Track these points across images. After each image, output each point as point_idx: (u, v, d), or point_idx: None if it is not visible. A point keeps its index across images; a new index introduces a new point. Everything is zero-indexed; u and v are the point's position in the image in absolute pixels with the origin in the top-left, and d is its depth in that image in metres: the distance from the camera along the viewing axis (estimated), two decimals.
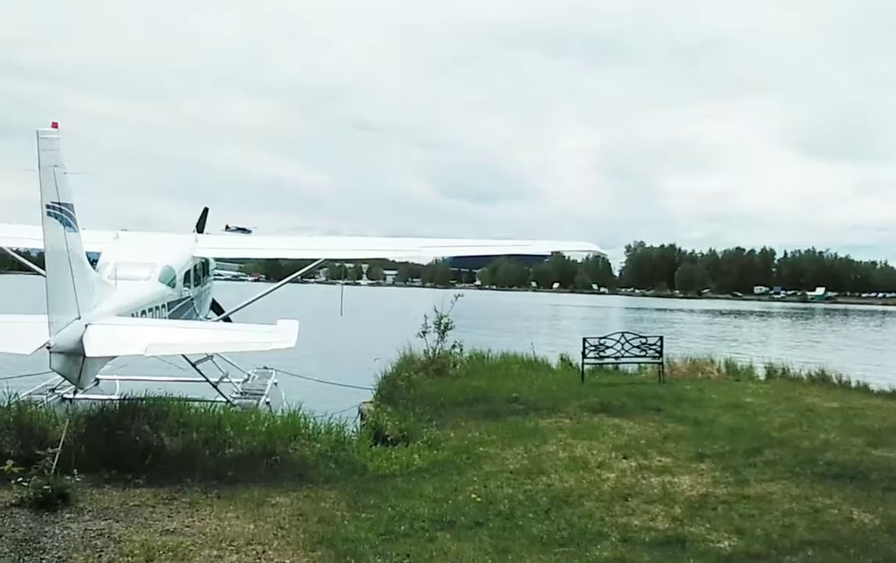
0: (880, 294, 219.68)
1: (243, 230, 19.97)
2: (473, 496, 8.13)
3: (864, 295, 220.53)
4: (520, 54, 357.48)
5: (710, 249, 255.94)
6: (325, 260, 17.19)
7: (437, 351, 18.18)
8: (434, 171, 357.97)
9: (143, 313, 11.23)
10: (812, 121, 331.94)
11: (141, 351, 9.06)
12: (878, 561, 6.34)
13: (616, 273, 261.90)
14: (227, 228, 18.81)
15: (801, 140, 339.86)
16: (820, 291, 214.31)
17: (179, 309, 13.54)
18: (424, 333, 18.17)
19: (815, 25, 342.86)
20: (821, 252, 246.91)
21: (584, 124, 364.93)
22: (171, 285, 13.06)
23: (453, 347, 18.55)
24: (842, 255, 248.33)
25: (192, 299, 14.55)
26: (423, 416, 12.54)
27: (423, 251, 17.03)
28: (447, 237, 23.09)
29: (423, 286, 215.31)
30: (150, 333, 10.04)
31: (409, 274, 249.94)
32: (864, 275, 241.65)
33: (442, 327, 18.15)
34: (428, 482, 8.72)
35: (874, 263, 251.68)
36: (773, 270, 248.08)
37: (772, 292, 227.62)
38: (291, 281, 17.88)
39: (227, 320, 16.04)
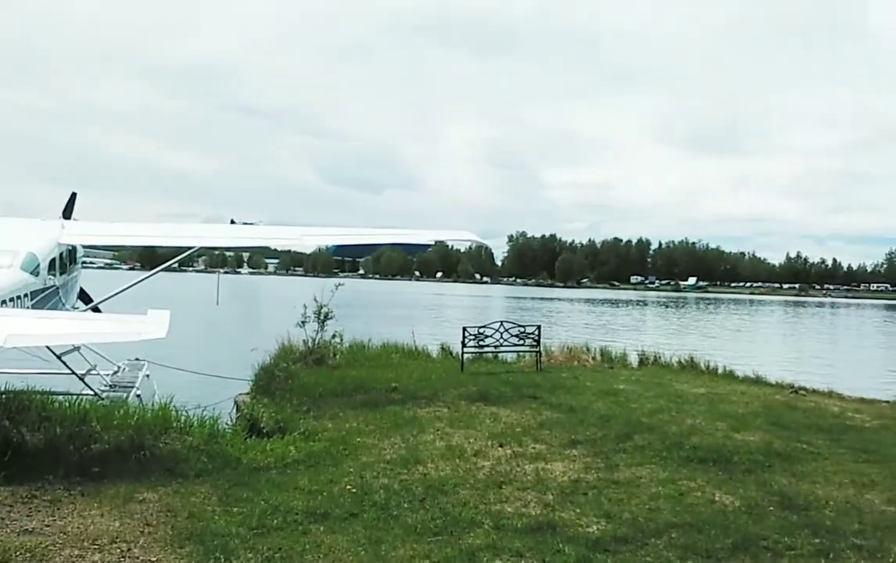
0: (748, 284, 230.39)
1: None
2: (349, 487, 8.06)
3: (733, 284, 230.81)
4: (413, 44, 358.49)
5: (590, 240, 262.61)
6: (203, 248, 16.73)
7: (316, 341, 17.98)
8: (322, 159, 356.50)
9: (4, 302, 10.66)
10: (688, 117, 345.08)
11: (0, 343, 8.61)
12: (737, 540, 6.59)
13: (499, 263, 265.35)
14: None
15: (676, 135, 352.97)
16: (692, 280, 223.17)
17: (44, 298, 12.91)
18: (304, 322, 17.93)
19: (693, 25, 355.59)
20: (693, 243, 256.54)
21: (472, 115, 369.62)
22: (35, 273, 12.44)
23: (333, 336, 18.38)
24: (713, 246, 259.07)
25: (57, 288, 13.90)
26: (301, 407, 12.38)
27: (305, 240, 16.73)
28: (332, 226, 22.89)
29: (306, 275, 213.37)
30: (10, 323, 9.52)
31: (292, 263, 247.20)
32: (734, 265, 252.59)
33: (322, 317, 17.95)
34: (303, 475, 8.60)
35: (743, 254, 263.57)
36: (649, 260, 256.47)
37: (647, 281, 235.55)
38: (166, 269, 17.36)
39: (96, 309, 15.42)
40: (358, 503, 7.56)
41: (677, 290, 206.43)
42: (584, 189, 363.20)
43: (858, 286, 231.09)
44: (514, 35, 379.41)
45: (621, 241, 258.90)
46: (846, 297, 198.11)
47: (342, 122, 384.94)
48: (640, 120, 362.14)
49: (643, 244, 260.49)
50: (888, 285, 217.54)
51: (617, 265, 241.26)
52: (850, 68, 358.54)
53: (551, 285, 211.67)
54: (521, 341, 18.68)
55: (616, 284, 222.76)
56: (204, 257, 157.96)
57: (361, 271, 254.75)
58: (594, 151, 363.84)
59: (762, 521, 7.16)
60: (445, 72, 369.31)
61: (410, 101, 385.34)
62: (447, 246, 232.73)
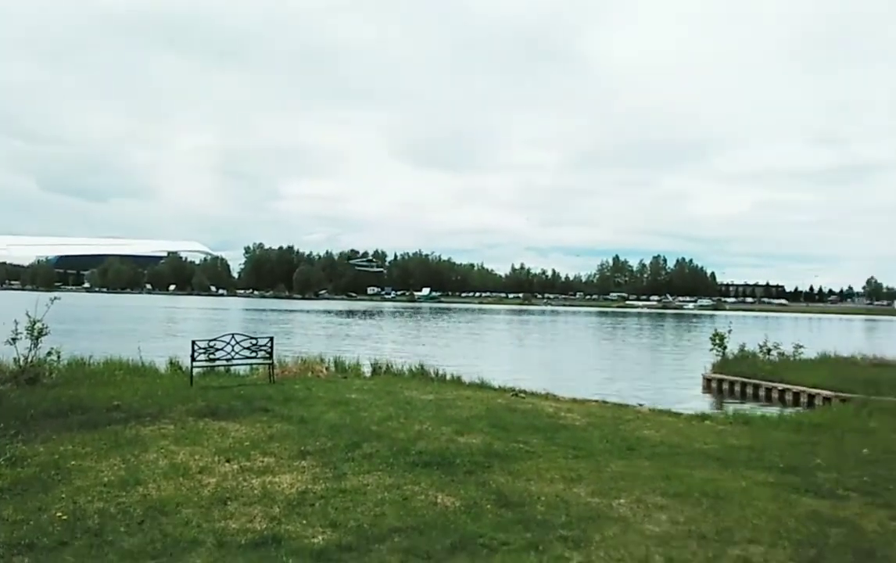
0: (478, 293, 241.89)
1: None
2: (59, 513, 7.52)
3: (464, 294, 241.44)
4: (137, 47, 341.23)
5: (327, 252, 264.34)
6: None
7: (29, 359, 16.65)
8: (38, 165, 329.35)
9: None
10: (418, 133, 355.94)
11: None
12: (455, 540, 6.86)
13: (235, 275, 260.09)
14: None
15: (408, 150, 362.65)
16: (426, 291, 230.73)
17: None
18: (14, 340, 16.54)
19: (421, 48, 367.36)
20: (426, 255, 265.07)
21: (203, 124, 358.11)
22: None
23: (49, 354, 17.13)
24: (445, 258, 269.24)
25: None
26: (7, 431, 11.39)
27: (12, 250, 15.48)
28: (49, 236, 21.28)
29: (24, 289, 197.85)
30: None
31: (7, 276, 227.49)
32: (464, 276, 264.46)
33: (35, 333, 16.64)
34: (8, 504, 7.90)
35: (472, 265, 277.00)
36: (385, 271, 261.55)
37: (383, 292, 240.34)
38: None
39: None
40: (69, 530, 7.06)
41: (412, 300, 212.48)
42: (321, 201, 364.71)
43: (574, 295, 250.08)
44: (245, 46, 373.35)
45: (358, 252, 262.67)
46: (564, 305, 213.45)
47: (58, 126, 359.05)
48: (373, 135, 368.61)
49: (379, 256, 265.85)
50: (598, 294, 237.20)
51: (354, 277, 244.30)
52: (562, 92, 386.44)
53: (289, 297, 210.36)
54: (254, 354, 18.39)
55: (353, 295, 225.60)
56: None
57: (87, 284, 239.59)
58: (330, 163, 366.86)
59: (480, 519, 7.51)
60: (172, 78, 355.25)
61: (136, 107, 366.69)
62: (181, 258, 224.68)
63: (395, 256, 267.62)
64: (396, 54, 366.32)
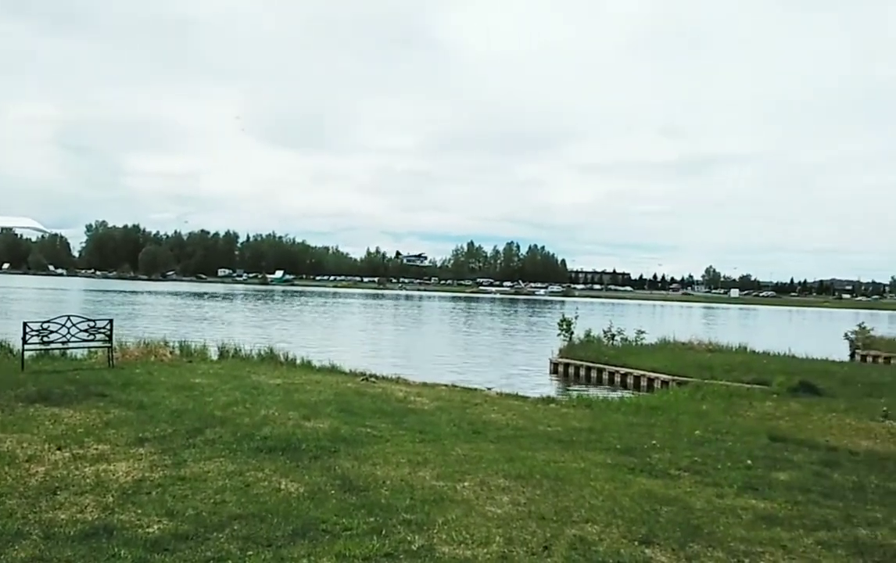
0: (332, 277, 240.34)
1: None
2: None
3: (318, 277, 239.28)
4: None
5: (176, 232, 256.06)
6: None
7: None
8: None
9: None
10: (274, 112, 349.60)
11: None
12: (297, 526, 6.73)
13: (76, 254, 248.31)
14: None
15: (264, 129, 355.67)
16: (279, 273, 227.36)
17: None
18: None
19: (285, 18, 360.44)
20: (280, 237, 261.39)
21: (39, 93, 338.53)
22: None
23: None
24: (299, 240, 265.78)
25: None
26: None
27: None
28: None
29: None
30: None
31: None
32: (319, 259, 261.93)
33: None
34: None
35: (327, 248, 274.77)
36: (237, 253, 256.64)
37: (235, 274, 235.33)
38: None
39: None
40: None
41: (265, 283, 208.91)
42: (172, 179, 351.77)
43: (429, 279, 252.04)
44: (89, 11, 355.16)
45: (209, 233, 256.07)
46: (419, 289, 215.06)
47: None
48: (228, 112, 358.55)
49: (231, 237, 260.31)
50: (453, 279, 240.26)
51: (204, 258, 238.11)
52: (420, 77, 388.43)
53: (134, 278, 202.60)
54: (92, 336, 17.57)
55: (203, 277, 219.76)
56: None
57: None
58: (181, 140, 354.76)
59: (323, 505, 7.41)
60: (3, 44, 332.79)
61: None
62: (16, 235, 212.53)
63: (248, 238, 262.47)
64: (255, 30, 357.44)
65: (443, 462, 9.37)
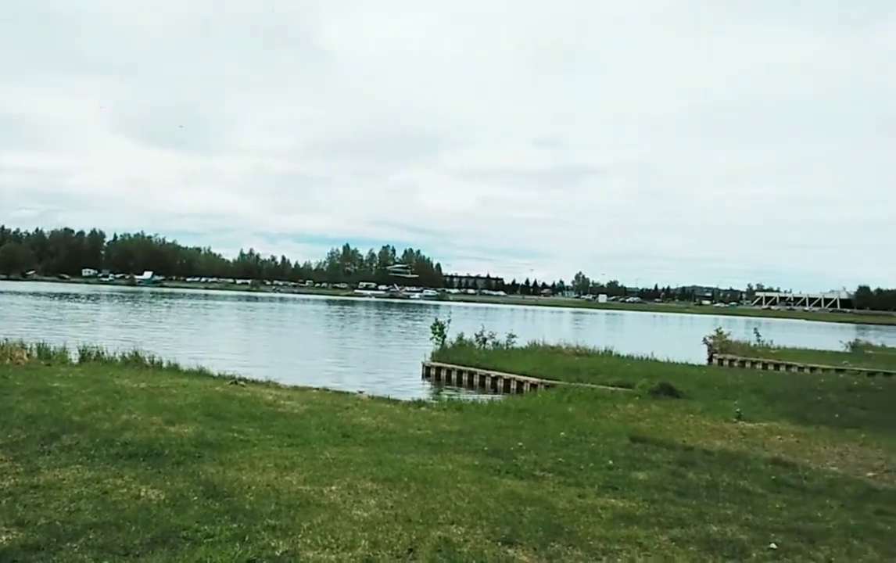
0: (204, 279, 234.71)
1: None
2: None
3: (189, 279, 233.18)
4: None
5: (38, 229, 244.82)
6: None
7: None
8: None
9: None
10: (145, 109, 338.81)
11: None
12: (157, 534, 6.56)
13: None
14: None
15: (134, 126, 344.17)
16: (148, 274, 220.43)
17: None
18: None
19: (164, 14, 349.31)
20: (150, 237, 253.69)
21: None
22: None
23: None
24: (169, 241, 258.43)
25: None
26: None
27: None
28: None
29: None
30: None
31: None
32: (190, 260, 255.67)
33: None
34: None
35: (199, 249, 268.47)
36: (103, 253, 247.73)
37: (101, 274, 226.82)
38: None
39: None
40: None
41: (132, 284, 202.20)
42: (35, 175, 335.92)
43: (304, 282, 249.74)
44: None
45: (73, 232, 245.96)
46: (293, 292, 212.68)
47: None
48: (96, 108, 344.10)
49: (97, 236, 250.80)
50: (328, 282, 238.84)
51: (68, 257, 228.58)
52: (300, 81, 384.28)
53: None
54: None
55: (66, 277, 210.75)
56: None
57: None
58: (46, 135, 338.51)
59: (185, 512, 7.23)
60: None
61: None
62: None
63: (116, 237, 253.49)
64: (130, 23, 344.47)
65: (310, 466, 9.30)
